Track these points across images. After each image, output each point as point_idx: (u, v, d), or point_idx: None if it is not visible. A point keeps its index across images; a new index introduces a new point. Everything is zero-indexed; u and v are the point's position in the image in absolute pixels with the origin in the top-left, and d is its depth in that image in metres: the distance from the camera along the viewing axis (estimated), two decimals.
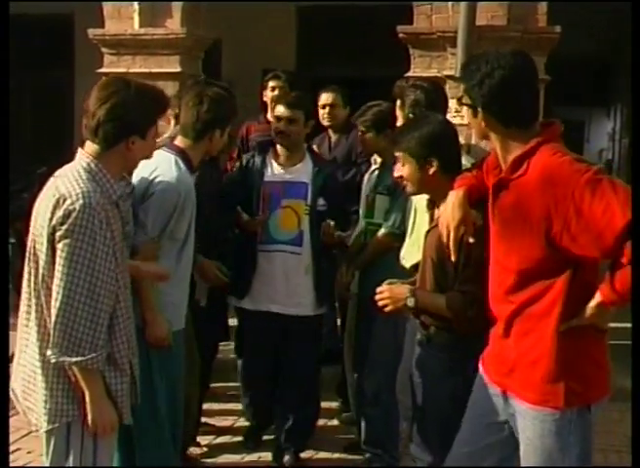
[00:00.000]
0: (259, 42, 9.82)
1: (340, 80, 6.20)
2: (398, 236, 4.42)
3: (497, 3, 6.56)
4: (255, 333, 4.74)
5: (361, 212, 4.81)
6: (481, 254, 2.99)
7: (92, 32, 7.33)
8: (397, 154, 3.45)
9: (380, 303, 3.39)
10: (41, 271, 2.83)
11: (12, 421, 3.58)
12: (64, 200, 2.77)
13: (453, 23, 6.51)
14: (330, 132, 5.90)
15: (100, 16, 7.36)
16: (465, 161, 3.63)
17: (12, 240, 7.72)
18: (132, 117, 2.90)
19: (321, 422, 5.07)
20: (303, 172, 4.67)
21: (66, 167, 2.94)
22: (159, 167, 3.76)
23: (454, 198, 3.03)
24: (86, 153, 2.92)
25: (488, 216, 2.90)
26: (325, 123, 5.79)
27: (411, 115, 4.12)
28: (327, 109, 5.80)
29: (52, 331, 2.78)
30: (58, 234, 2.76)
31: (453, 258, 3.04)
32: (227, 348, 5.43)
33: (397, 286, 3.42)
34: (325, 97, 5.83)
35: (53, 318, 2.77)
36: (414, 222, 4.03)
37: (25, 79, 10.59)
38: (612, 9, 9.04)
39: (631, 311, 2.67)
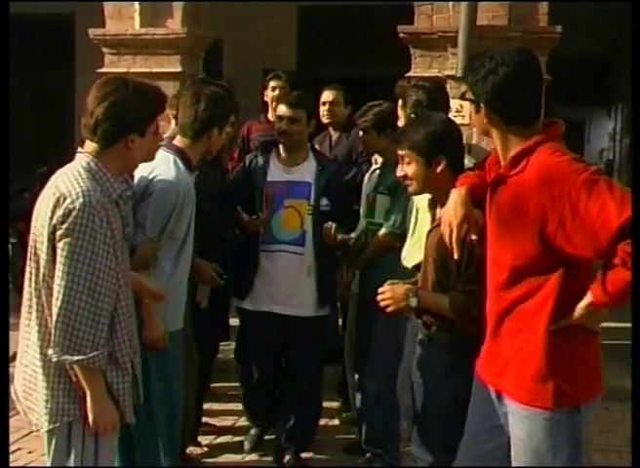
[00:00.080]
0: (259, 42, 9.83)
1: (341, 80, 6.19)
2: (399, 236, 4.42)
3: (497, 3, 6.55)
4: (256, 334, 4.73)
5: (362, 211, 4.80)
6: (484, 253, 2.99)
7: (92, 32, 7.33)
8: (402, 153, 3.43)
9: (382, 304, 3.38)
10: (42, 270, 2.83)
11: (12, 421, 3.58)
12: (65, 199, 2.77)
13: (454, 23, 6.51)
14: (331, 130, 5.90)
15: (101, 15, 7.36)
16: (467, 161, 3.63)
17: (13, 240, 7.73)
18: (130, 115, 2.90)
19: (322, 422, 5.07)
20: (307, 171, 4.66)
21: (67, 166, 2.94)
22: (158, 166, 3.76)
23: (456, 196, 3.02)
24: (86, 152, 2.92)
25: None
26: (324, 120, 5.80)
27: (412, 115, 4.12)
28: (327, 106, 5.82)
29: (53, 331, 2.78)
30: (58, 233, 2.76)
31: (456, 256, 3.03)
32: (228, 348, 5.43)
33: (399, 286, 3.41)
34: (326, 95, 5.85)
35: (54, 317, 2.77)
36: (415, 222, 4.03)
37: (26, 79, 10.60)
38: (612, 9, 9.04)
39: (631, 311, 2.67)
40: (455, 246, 3.00)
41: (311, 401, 4.83)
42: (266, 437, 5.05)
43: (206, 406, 5.22)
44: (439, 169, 3.36)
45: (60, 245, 2.76)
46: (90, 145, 2.93)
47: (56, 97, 10.72)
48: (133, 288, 3.13)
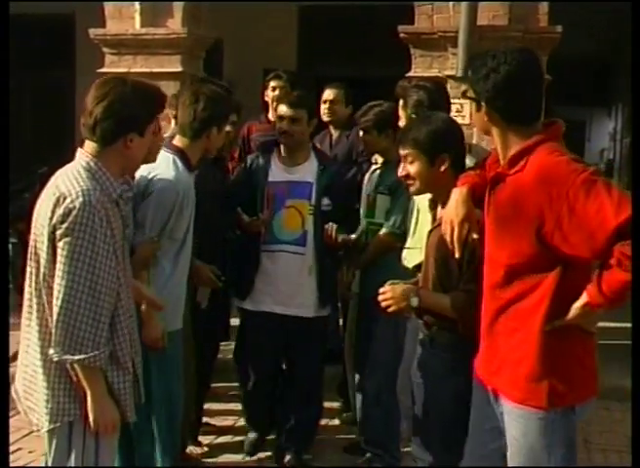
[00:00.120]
0: (260, 42, 9.83)
1: (341, 80, 6.20)
2: (399, 236, 4.42)
3: (498, 3, 6.55)
4: (256, 334, 4.71)
5: (362, 211, 4.80)
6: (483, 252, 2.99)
7: (93, 32, 7.33)
8: (405, 152, 3.43)
9: (384, 304, 3.37)
10: (42, 270, 2.84)
11: (13, 421, 3.58)
12: (64, 198, 2.78)
13: (454, 23, 6.51)
14: (331, 129, 5.92)
15: (102, 15, 7.36)
16: (468, 161, 3.63)
17: (13, 240, 7.73)
18: (129, 114, 2.90)
19: (322, 422, 5.07)
20: (308, 171, 4.65)
21: (67, 166, 2.94)
22: (157, 166, 3.75)
23: (457, 195, 3.03)
24: (85, 152, 2.92)
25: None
26: (325, 118, 5.81)
27: (413, 115, 4.12)
28: (327, 104, 5.84)
29: (53, 330, 2.78)
30: (58, 232, 2.77)
31: (457, 255, 3.03)
32: (228, 348, 5.42)
33: (400, 286, 3.40)
34: (327, 93, 5.88)
35: (54, 316, 2.77)
36: (416, 223, 4.02)
37: (26, 79, 10.60)
38: (612, 9, 9.04)
39: (631, 311, 2.67)
40: (456, 245, 3.00)
41: (312, 401, 4.83)
42: (267, 437, 5.05)
43: (206, 406, 5.23)
44: (443, 167, 3.36)
45: (60, 244, 2.76)
46: (89, 145, 2.93)
47: (56, 97, 10.72)
48: (134, 295, 3.13)
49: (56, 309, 2.76)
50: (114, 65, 7.24)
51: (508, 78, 2.74)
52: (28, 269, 2.92)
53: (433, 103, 4.16)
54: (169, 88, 5.68)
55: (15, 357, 3.07)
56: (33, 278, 2.89)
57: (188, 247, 3.93)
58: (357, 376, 4.86)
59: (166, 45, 7.19)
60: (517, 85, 2.75)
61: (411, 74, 6.43)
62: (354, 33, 10.00)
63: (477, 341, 3.03)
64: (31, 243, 2.91)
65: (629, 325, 2.85)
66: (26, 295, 2.93)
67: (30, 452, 4.80)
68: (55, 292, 2.77)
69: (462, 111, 5.73)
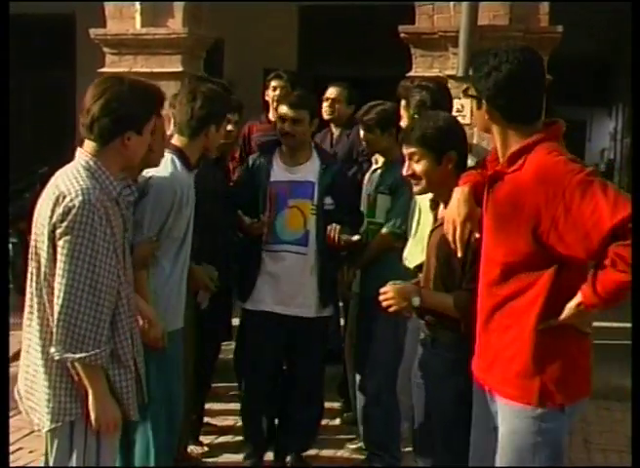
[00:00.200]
0: (260, 42, 9.83)
1: (342, 80, 6.21)
2: (400, 236, 4.43)
3: (499, 3, 6.55)
4: (257, 334, 4.69)
5: (362, 211, 4.80)
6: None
7: (93, 32, 7.33)
8: (411, 150, 3.42)
9: (385, 303, 3.37)
10: (43, 269, 2.84)
11: (13, 421, 3.59)
12: (64, 197, 2.78)
13: (455, 23, 6.51)
14: (332, 127, 5.92)
15: (102, 15, 7.36)
16: (469, 160, 3.63)
17: (14, 240, 7.74)
18: (126, 112, 2.90)
19: (322, 422, 5.06)
20: (310, 170, 4.63)
21: (67, 166, 2.95)
22: None
23: (459, 195, 3.03)
24: (85, 151, 2.93)
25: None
26: (325, 116, 5.82)
27: (416, 116, 4.11)
28: (329, 102, 5.86)
29: (54, 329, 2.78)
30: (58, 231, 2.77)
31: (459, 255, 3.03)
32: (229, 348, 5.43)
33: (401, 285, 3.40)
34: (329, 91, 5.91)
35: (55, 315, 2.77)
36: (418, 223, 4.02)
37: (26, 79, 10.61)
38: (612, 9, 9.04)
39: (631, 311, 2.67)
40: (458, 245, 3.00)
41: (313, 401, 4.82)
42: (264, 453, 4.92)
43: (207, 405, 5.23)
44: (450, 165, 3.36)
45: (60, 243, 2.77)
46: (88, 144, 2.94)
47: (56, 98, 10.73)
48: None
49: (56, 308, 2.77)
50: (115, 65, 7.23)
51: (510, 77, 2.74)
52: (29, 269, 2.92)
53: (436, 103, 4.16)
54: (169, 88, 5.67)
55: (15, 357, 3.07)
56: (34, 278, 2.90)
57: (188, 246, 3.92)
58: (358, 376, 4.86)
59: (166, 45, 7.19)
60: (518, 84, 2.75)
61: (411, 74, 6.43)
62: (354, 33, 10.00)
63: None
64: (32, 242, 2.91)
65: (629, 325, 2.85)
66: (27, 295, 2.94)
67: (31, 452, 4.80)
68: (55, 291, 2.78)
69: (463, 111, 5.73)
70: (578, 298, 2.65)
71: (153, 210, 3.71)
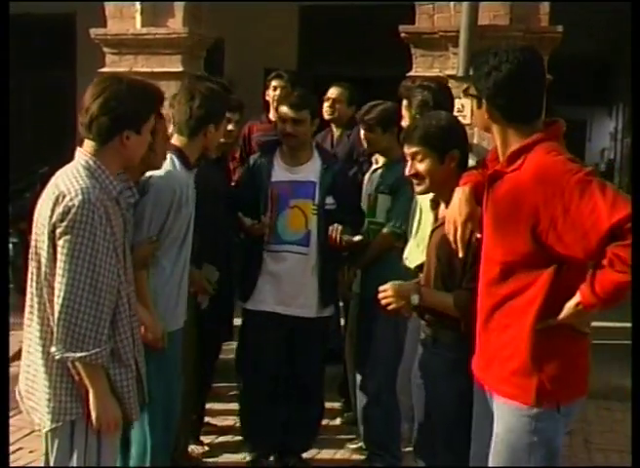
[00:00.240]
0: (260, 41, 9.82)
1: (342, 79, 6.22)
2: (400, 236, 4.43)
3: (499, 3, 6.54)
4: (257, 334, 4.69)
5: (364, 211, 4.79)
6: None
7: (94, 32, 7.33)
8: (413, 150, 3.42)
9: (384, 301, 3.37)
10: (43, 269, 2.84)
11: (14, 421, 3.59)
12: (64, 197, 2.79)
13: (455, 23, 6.50)
14: (333, 128, 5.92)
15: (102, 15, 7.36)
16: (470, 160, 3.63)
17: (14, 240, 7.74)
18: (124, 110, 2.90)
19: (323, 422, 5.06)
20: (311, 170, 4.63)
21: (67, 166, 2.96)
22: None
23: (460, 195, 3.03)
24: (84, 151, 2.94)
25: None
26: (326, 116, 5.82)
27: (418, 116, 4.11)
28: (329, 102, 5.86)
29: (55, 328, 2.79)
30: (58, 231, 2.78)
31: (460, 255, 3.04)
32: (229, 348, 5.43)
33: (401, 284, 3.40)
34: (331, 92, 5.92)
35: (56, 314, 2.78)
36: (419, 223, 4.02)
37: (26, 79, 10.60)
38: (612, 9, 9.03)
39: (631, 311, 2.67)
40: (459, 245, 3.01)
41: (313, 401, 4.82)
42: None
43: (207, 405, 5.23)
44: (452, 164, 3.36)
45: (60, 242, 2.77)
46: (88, 144, 2.94)
47: (56, 97, 10.72)
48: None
49: (57, 307, 2.77)
50: (115, 65, 7.23)
51: (509, 76, 2.74)
52: (30, 269, 2.92)
53: (438, 103, 4.15)
54: (170, 88, 5.68)
55: (16, 356, 3.07)
56: (34, 277, 2.90)
57: (188, 246, 3.92)
58: (358, 376, 4.85)
59: (167, 45, 7.19)
60: (518, 83, 2.75)
61: (411, 74, 6.42)
62: (355, 33, 9.99)
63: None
64: (32, 242, 2.91)
65: (629, 325, 2.85)
66: (28, 295, 2.94)
67: (31, 452, 4.80)
68: (56, 291, 2.78)
69: (464, 111, 5.73)
70: (576, 298, 2.66)
71: (153, 209, 3.71)
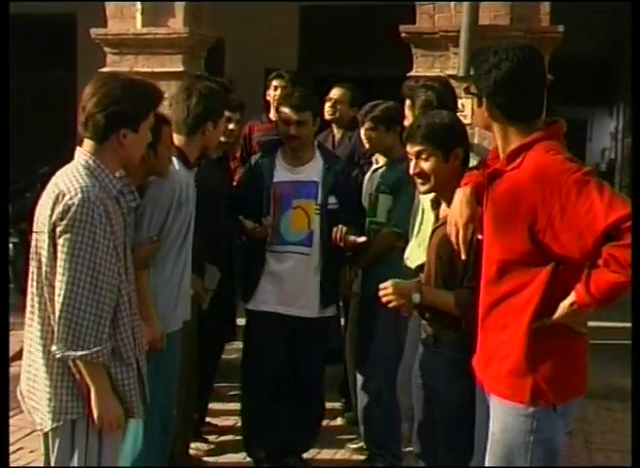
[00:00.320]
0: (261, 41, 9.83)
1: (343, 79, 6.22)
2: (401, 235, 4.42)
3: (499, 2, 6.54)
4: (260, 334, 4.68)
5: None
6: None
7: (94, 32, 7.33)
8: (417, 148, 3.41)
9: (384, 299, 3.36)
10: (44, 268, 2.85)
11: (15, 420, 3.59)
12: (63, 195, 2.79)
13: (455, 23, 6.50)
14: (334, 128, 5.92)
15: (103, 15, 7.36)
16: (472, 160, 3.63)
17: (15, 240, 7.75)
18: (119, 108, 2.90)
19: (323, 422, 5.06)
20: (313, 170, 4.62)
21: (67, 165, 2.96)
22: None
23: (461, 196, 3.02)
24: (83, 150, 2.94)
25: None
26: (327, 116, 5.82)
27: (421, 116, 4.10)
28: (331, 103, 5.86)
29: (56, 327, 2.79)
30: (58, 229, 2.78)
31: (463, 257, 3.03)
32: (229, 348, 5.43)
33: (401, 281, 3.40)
34: (333, 92, 5.93)
35: (57, 313, 2.78)
36: (421, 223, 4.02)
37: (26, 79, 10.60)
38: (612, 9, 9.03)
39: (631, 311, 2.67)
40: (461, 247, 3.00)
41: (314, 401, 4.82)
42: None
43: (208, 405, 5.23)
44: (456, 162, 3.37)
45: (60, 241, 2.78)
46: (87, 143, 2.95)
47: (57, 97, 10.72)
48: None
49: (58, 305, 2.77)
50: (116, 65, 7.23)
51: (510, 74, 2.74)
52: (30, 268, 2.93)
53: (442, 103, 4.14)
54: (170, 87, 5.68)
55: (17, 356, 3.07)
56: (35, 277, 2.90)
57: (188, 246, 3.91)
58: (359, 376, 4.85)
59: (167, 44, 7.19)
60: (518, 81, 2.75)
61: (412, 74, 6.43)
62: (355, 33, 9.99)
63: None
64: (33, 242, 2.92)
65: (629, 325, 2.85)
66: (29, 295, 2.94)
67: (31, 452, 4.79)
68: (56, 290, 2.78)
69: (464, 111, 5.73)
70: (571, 298, 2.65)
71: (153, 209, 3.71)
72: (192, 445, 4.86)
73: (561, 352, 2.76)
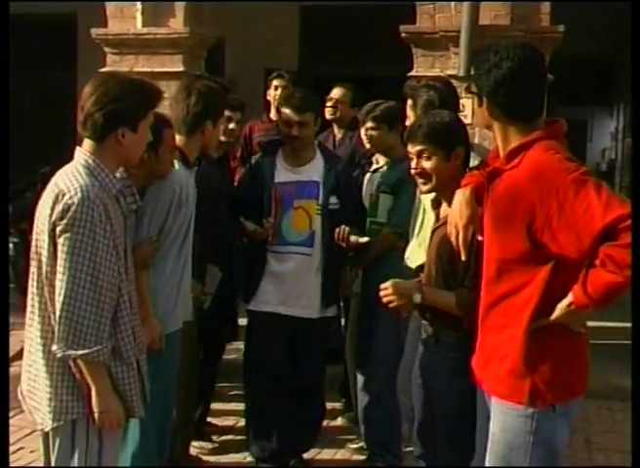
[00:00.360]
0: (261, 41, 9.83)
1: (343, 79, 6.22)
2: (402, 235, 4.42)
3: (500, 2, 6.54)
4: (261, 334, 4.68)
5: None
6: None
7: (95, 32, 7.33)
8: (419, 148, 3.41)
9: (385, 299, 3.36)
10: (44, 268, 2.85)
11: (15, 420, 3.59)
12: (63, 195, 2.80)
13: (456, 23, 6.50)
14: (335, 129, 5.92)
15: (103, 15, 7.36)
16: (473, 160, 3.63)
17: (15, 240, 7.75)
18: (117, 107, 2.89)
19: (324, 422, 5.06)
20: (315, 170, 4.61)
21: (66, 165, 2.96)
22: None
23: (461, 197, 3.02)
24: (83, 150, 2.95)
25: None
26: (327, 116, 5.82)
27: (422, 116, 4.10)
28: (332, 103, 5.86)
29: (57, 326, 2.79)
30: (58, 229, 2.78)
31: (463, 258, 3.03)
32: (230, 348, 5.43)
33: (402, 282, 3.40)
34: (334, 92, 5.95)
35: (57, 312, 2.78)
36: (421, 223, 4.01)
37: (26, 79, 10.60)
38: (613, 9, 9.03)
39: (631, 311, 2.67)
40: (462, 248, 3.00)
41: (314, 401, 4.82)
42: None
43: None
44: (458, 162, 3.37)
45: (60, 240, 2.78)
46: (87, 143, 2.95)
47: (57, 97, 10.72)
48: None
49: (58, 305, 2.78)
50: (116, 65, 7.23)
51: (510, 74, 2.74)
52: (31, 268, 2.93)
53: (444, 103, 4.13)
54: (170, 87, 5.67)
55: (17, 356, 3.07)
56: (35, 277, 2.90)
57: (188, 247, 3.91)
58: (360, 376, 4.85)
59: (168, 44, 7.19)
60: (518, 81, 2.75)
61: (412, 74, 6.43)
62: (355, 33, 9.99)
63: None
64: (33, 241, 2.92)
65: (629, 325, 2.85)
66: (29, 295, 2.94)
67: (32, 452, 4.78)
68: (57, 289, 2.78)
69: (464, 111, 5.72)
70: (569, 298, 2.65)
71: (153, 209, 3.71)
72: (195, 444, 4.87)
73: (560, 353, 2.76)
